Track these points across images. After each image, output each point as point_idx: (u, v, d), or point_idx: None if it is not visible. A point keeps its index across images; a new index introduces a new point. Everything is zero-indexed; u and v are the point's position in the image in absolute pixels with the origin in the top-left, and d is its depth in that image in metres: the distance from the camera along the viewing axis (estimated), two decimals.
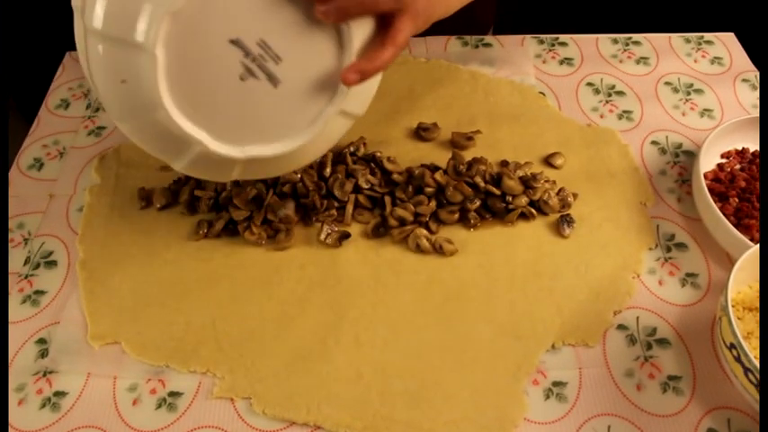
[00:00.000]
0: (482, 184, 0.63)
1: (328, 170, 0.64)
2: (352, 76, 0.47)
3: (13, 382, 0.53)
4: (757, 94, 0.76)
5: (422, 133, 0.70)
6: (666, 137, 0.71)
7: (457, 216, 0.62)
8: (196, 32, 0.43)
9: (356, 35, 0.48)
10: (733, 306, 0.53)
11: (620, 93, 0.76)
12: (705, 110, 0.74)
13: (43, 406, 0.52)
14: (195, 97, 0.46)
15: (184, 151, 0.48)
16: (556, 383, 0.53)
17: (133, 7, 0.42)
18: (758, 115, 0.67)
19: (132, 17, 0.42)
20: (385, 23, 0.49)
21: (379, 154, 0.66)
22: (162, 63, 0.43)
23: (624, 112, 0.74)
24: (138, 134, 0.49)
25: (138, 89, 0.44)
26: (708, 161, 0.66)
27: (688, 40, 0.82)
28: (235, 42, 0.45)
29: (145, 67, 0.43)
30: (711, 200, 0.59)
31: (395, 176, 0.64)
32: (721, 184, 0.64)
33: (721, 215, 0.58)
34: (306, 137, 0.50)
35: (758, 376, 0.46)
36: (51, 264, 0.61)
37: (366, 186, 0.63)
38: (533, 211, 0.62)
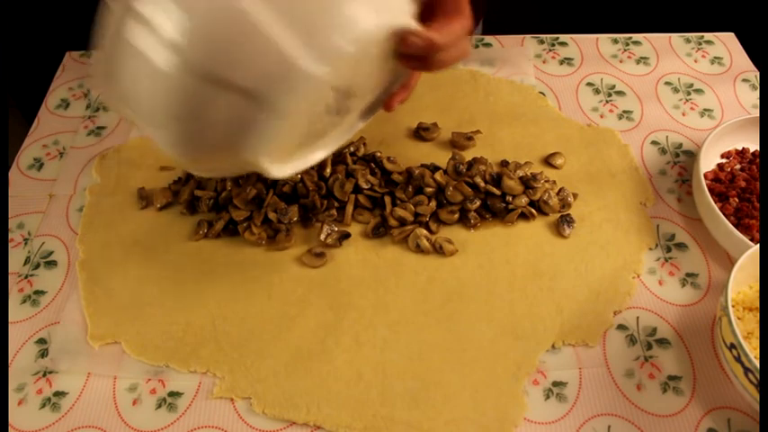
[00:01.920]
0: (482, 184, 0.63)
1: (328, 170, 0.64)
2: (396, 105, 0.53)
3: (13, 382, 0.53)
4: (757, 94, 0.76)
5: (422, 133, 0.70)
6: (666, 137, 0.71)
7: (457, 216, 0.62)
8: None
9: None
10: (733, 306, 0.53)
11: (620, 93, 0.76)
12: (705, 110, 0.74)
13: (43, 406, 0.52)
14: (280, 139, 0.42)
15: (229, 169, 0.47)
16: (556, 383, 0.53)
17: (276, 62, 0.35)
18: (758, 115, 0.66)
19: (274, 74, 0.35)
20: None
21: (379, 154, 0.66)
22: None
23: (624, 112, 0.74)
24: (177, 148, 0.42)
25: (222, 129, 0.38)
26: (708, 161, 0.66)
27: (688, 40, 0.82)
28: (335, 88, 0.43)
29: (261, 123, 0.37)
30: (711, 200, 0.59)
31: (395, 176, 0.64)
32: (721, 184, 0.64)
33: (721, 215, 0.57)
34: (336, 146, 0.52)
35: (758, 376, 0.46)
36: (51, 264, 0.61)
37: (366, 186, 0.63)
38: (533, 211, 0.62)
